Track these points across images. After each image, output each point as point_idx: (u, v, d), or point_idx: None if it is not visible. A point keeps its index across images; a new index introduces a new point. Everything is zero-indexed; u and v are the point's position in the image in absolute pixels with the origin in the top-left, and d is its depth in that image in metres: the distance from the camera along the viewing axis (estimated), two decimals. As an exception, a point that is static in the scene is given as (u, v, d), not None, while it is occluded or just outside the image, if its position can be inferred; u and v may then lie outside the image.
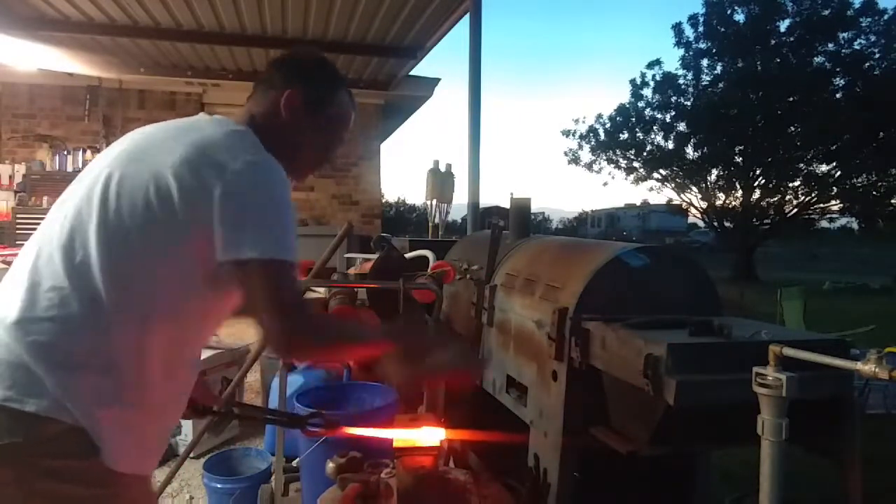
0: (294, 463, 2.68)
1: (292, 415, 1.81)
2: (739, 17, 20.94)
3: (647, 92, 23.03)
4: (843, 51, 19.65)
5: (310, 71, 1.35)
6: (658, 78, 22.64)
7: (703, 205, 23.32)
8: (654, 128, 23.19)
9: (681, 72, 22.28)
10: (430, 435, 1.56)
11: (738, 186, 22.03)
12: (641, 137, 23.59)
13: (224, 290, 1.16)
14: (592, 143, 25.00)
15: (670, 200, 25.37)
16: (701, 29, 21.46)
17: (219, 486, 2.69)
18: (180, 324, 1.16)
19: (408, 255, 3.39)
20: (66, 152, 7.31)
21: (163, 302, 1.12)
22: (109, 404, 1.06)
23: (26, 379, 1.03)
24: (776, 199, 21.63)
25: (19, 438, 1.01)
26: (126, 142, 1.23)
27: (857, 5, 19.21)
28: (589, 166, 25.46)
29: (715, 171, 22.45)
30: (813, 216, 22.38)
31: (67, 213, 1.14)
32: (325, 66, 1.38)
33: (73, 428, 1.03)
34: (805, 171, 20.78)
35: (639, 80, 23.26)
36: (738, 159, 21.59)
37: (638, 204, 39.71)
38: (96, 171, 1.17)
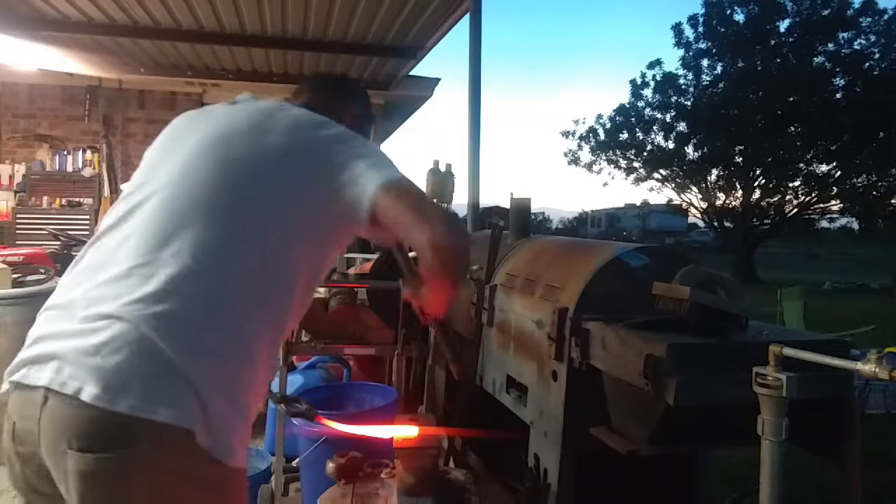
0: (294, 463, 2.68)
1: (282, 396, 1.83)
2: (739, 17, 20.97)
3: (648, 92, 23.08)
4: (843, 51, 19.64)
5: (364, 96, 1.61)
6: (658, 78, 22.68)
7: (703, 205, 23.33)
8: (654, 128, 23.22)
9: (681, 72, 22.32)
10: (409, 431, 1.58)
11: (738, 186, 22.04)
12: (641, 137, 23.61)
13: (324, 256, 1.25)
14: (592, 143, 25.02)
15: (670, 200, 25.38)
16: (701, 29, 21.46)
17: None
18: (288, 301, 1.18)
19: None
20: (66, 152, 7.31)
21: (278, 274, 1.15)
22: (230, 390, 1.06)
23: (154, 374, 0.98)
24: (776, 199, 21.64)
25: (148, 447, 0.96)
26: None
27: (857, 5, 19.24)
28: (589, 166, 25.48)
29: (715, 171, 22.46)
30: (813, 216, 22.39)
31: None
32: (348, 97, 1.57)
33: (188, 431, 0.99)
34: (805, 171, 20.79)
35: (639, 81, 23.30)
36: (738, 159, 21.59)
37: (638, 204, 39.68)
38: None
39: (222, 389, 1.04)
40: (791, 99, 19.67)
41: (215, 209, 1.11)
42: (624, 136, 23.87)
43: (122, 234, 1.12)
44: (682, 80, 22.31)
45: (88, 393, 0.94)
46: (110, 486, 0.96)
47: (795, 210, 21.66)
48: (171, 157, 1.21)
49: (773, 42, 20.40)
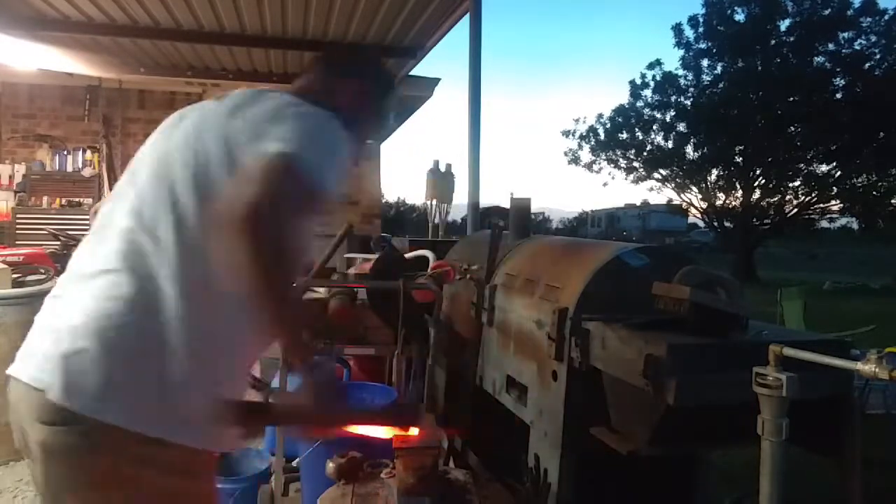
0: (294, 463, 2.68)
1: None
2: (739, 17, 20.97)
3: (647, 92, 23.08)
4: (844, 51, 19.65)
5: (376, 67, 1.48)
6: (658, 78, 22.68)
7: (703, 205, 23.34)
8: (654, 128, 23.22)
9: (681, 72, 22.33)
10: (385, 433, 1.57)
11: (738, 186, 22.05)
12: (641, 137, 23.62)
13: None
14: (592, 143, 25.02)
15: (670, 200, 25.39)
16: (701, 29, 21.47)
17: (218, 486, 2.69)
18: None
19: (408, 255, 3.39)
20: (65, 152, 7.30)
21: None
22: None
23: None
24: (776, 199, 21.65)
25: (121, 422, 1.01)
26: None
27: (857, 5, 19.24)
28: (589, 166, 25.48)
29: (715, 171, 22.48)
30: (813, 216, 22.40)
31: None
32: (383, 67, 1.53)
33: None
34: (805, 171, 20.81)
35: (638, 81, 23.31)
36: (738, 159, 21.60)
37: (638, 204, 39.68)
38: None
39: (181, 379, 1.05)
40: (791, 99, 19.68)
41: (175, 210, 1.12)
42: (624, 135, 23.87)
43: (101, 235, 1.17)
44: (682, 80, 22.34)
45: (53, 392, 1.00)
46: (70, 459, 1.02)
47: (795, 210, 21.66)
48: (150, 158, 1.22)
49: (773, 42, 20.40)
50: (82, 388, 1.00)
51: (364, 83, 1.39)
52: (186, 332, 1.05)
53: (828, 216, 22.42)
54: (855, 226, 26.02)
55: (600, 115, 24.74)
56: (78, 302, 1.07)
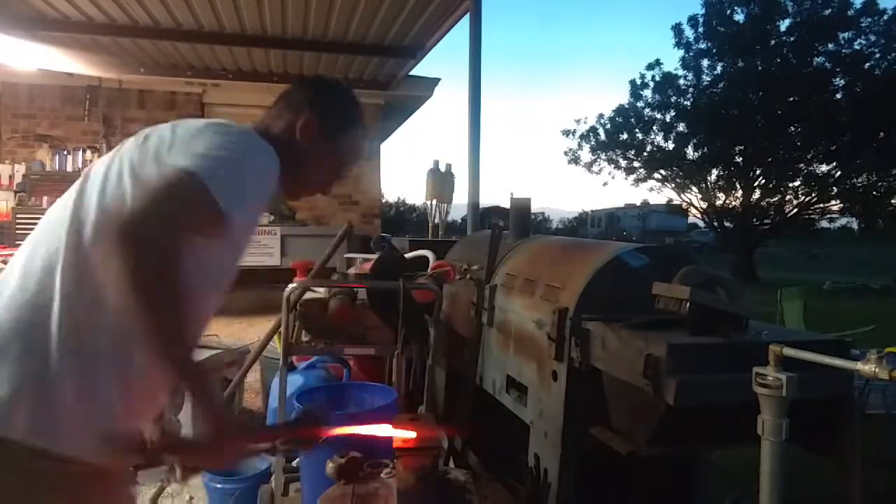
0: (294, 463, 2.68)
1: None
2: (739, 17, 20.96)
3: (647, 92, 23.07)
4: (844, 51, 19.62)
5: (331, 102, 1.36)
6: (658, 78, 22.67)
7: (703, 205, 23.33)
8: (654, 128, 23.21)
9: (681, 72, 22.32)
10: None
11: (738, 186, 22.04)
12: (641, 138, 23.61)
13: None
14: (592, 143, 25.01)
15: (670, 200, 25.38)
16: (701, 29, 21.46)
17: (219, 486, 2.69)
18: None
19: (408, 255, 3.39)
20: (65, 152, 7.31)
21: None
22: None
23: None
24: (776, 199, 21.64)
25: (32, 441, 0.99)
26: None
27: (857, 5, 19.23)
28: (589, 166, 25.47)
29: (715, 171, 22.46)
30: (813, 216, 22.38)
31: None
32: (347, 101, 1.39)
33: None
34: (805, 171, 20.79)
35: (638, 81, 23.30)
36: (738, 159, 21.59)
37: (638, 204, 39.69)
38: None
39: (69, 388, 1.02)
40: (791, 99, 19.67)
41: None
42: (624, 136, 23.87)
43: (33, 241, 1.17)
44: (682, 81, 22.34)
45: None
46: None
47: (795, 210, 21.65)
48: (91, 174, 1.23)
49: (773, 42, 20.39)
50: None
51: (314, 117, 1.30)
52: (66, 345, 1.02)
53: (828, 216, 22.42)
54: (855, 226, 26.03)
55: (600, 116, 24.76)
56: None
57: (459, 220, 18.76)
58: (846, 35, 19.53)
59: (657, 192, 25.11)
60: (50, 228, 1.13)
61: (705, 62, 21.83)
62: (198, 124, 1.15)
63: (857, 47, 19.52)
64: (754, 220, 22.27)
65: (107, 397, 1.06)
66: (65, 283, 1.04)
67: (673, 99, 22.41)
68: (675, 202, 25.20)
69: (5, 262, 3.79)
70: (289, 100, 1.34)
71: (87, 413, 1.03)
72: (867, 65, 19.33)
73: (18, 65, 6.24)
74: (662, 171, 23.40)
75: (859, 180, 20.25)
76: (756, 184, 21.52)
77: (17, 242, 6.03)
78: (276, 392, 2.90)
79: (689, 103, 21.96)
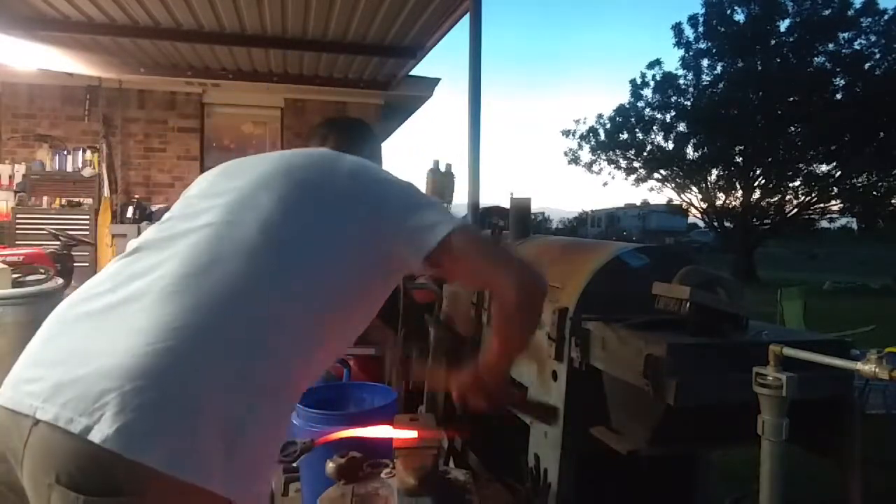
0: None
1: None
2: (739, 17, 20.97)
3: (647, 92, 23.08)
4: (844, 51, 19.63)
5: (373, 138, 1.73)
6: (658, 78, 22.67)
7: (704, 205, 23.33)
8: (654, 128, 23.21)
9: (681, 72, 22.33)
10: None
11: (738, 186, 22.04)
12: (641, 137, 23.61)
13: None
14: (592, 143, 25.01)
15: (670, 200, 25.38)
16: (701, 29, 21.47)
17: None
18: None
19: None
20: (66, 152, 7.30)
21: None
22: None
23: None
24: (776, 199, 21.64)
25: None
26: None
27: (857, 5, 19.23)
28: (589, 166, 25.48)
29: (715, 171, 22.46)
30: (813, 216, 22.39)
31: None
32: (369, 140, 1.69)
33: None
34: (805, 171, 20.79)
35: (639, 81, 23.30)
36: (738, 159, 21.59)
37: (638, 204, 39.65)
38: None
39: (240, 432, 0.95)
40: (791, 99, 19.67)
41: (262, 247, 1.07)
42: (624, 136, 23.87)
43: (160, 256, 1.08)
44: (682, 80, 22.34)
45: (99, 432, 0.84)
46: None
47: (795, 210, 21.66)
48: (228, 190, 1.18)
49: (773, 42, 20.39)
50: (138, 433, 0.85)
51: (371, 150, 1.65)
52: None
53: (828, 216, 22.44)
54: (855, 226, 26.04)
55: (600, 116, 24.76)
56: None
57: (459, 220, 18.71)
58: (846, 35, 19.54)
59: (657, 192, 25.15)
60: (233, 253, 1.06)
61: (705, 62, 21.87)
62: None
63: (857, 47, 19.55)
64: (754, 220, 22.27)
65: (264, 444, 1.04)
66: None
67: (673, 99, 22.42)
68: (675, 202, 25.21)
69: (5, 262, 3.74)
70: (350, 135, 1.64)
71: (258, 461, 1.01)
72: (867, 65, 19.35)
73: (18, 65, 6.23)
74: (662, 171, 23.40)
75: (859, 180, 20.25)
76: (756, 184, 21.52)
77: (18, 242, 6.04)
78: (276, 392, 2.89)
79: (689, 103, 21.96)
